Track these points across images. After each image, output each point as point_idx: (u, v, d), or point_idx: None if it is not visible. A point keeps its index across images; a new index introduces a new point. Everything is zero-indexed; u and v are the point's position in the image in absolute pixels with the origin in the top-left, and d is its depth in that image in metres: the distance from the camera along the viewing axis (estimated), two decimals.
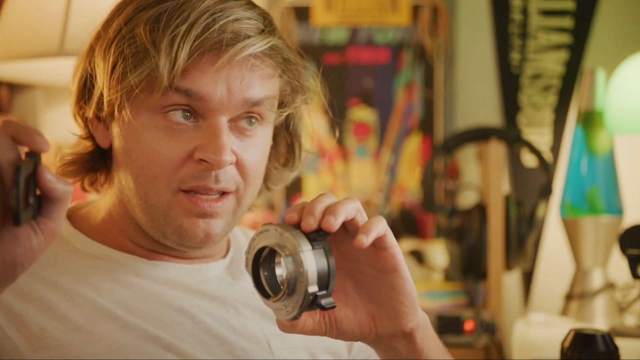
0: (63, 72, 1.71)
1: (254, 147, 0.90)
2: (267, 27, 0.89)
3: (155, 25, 0.84)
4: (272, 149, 0.96)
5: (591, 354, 1.01)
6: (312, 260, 0.73)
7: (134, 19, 0.87)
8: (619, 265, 1.77)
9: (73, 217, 0.97)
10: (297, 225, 0.74)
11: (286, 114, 0.96)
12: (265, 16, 0.90)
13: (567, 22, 2.10)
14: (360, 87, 2.16)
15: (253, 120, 0.90)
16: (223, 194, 0.89)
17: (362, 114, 2.16)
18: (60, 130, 1.93)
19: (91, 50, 0.91)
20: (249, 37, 0.85)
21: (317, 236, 0.74)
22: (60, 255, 0.91)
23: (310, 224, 0.73)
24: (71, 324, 0.85)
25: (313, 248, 0.74)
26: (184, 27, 0.83)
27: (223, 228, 0.91)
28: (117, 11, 0.90)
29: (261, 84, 0.88)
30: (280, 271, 0.77)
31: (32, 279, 0.87)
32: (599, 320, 1.73)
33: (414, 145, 2.15)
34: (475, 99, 2.15)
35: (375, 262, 0.78)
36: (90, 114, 0.90)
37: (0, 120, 0.65)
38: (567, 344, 1.04)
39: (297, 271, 0.73)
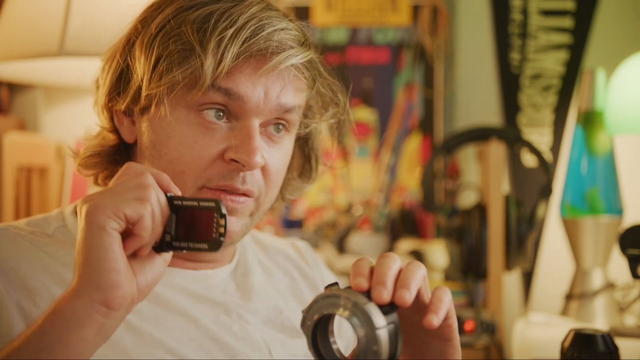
0: (63, 72, 1.71)
1: (279, 154, 0.93)
2: (306, 40, 0.92)
3: (202, 25, 0.86)
4: (290, 159, 0.98)
5: (591, 354, 1.01)
6: (386, 338, 0.71)
7: (178, 17, 0.88)
8: (619, 265, 1.77)
9: None
10: (367, 293, 0.72)
11: (310, 127, 0.98)
12: (303, 29, 0.93)
13: (567, 22, 2.10)
14: (360, 87, 2.16)
15: (281, 127, 0.92)
16: (245, 195, 0.91)
17: (362, 114, 2.16)
18: (61, 130, 1.93)
19: (129, 44, 0.91)
20: (292, 47, 0.88)
21: (390, 310, 0.72)
22: (70, 255, 0.90)
23: (384, 297, 0.72)
24: None
25: (387, 324, 0.71)
26: (232, 30, 0.85)
27: (241, 228, 0.92)
28: (157, 9, 0.91)
29: (294, 93, 0.91)
30: (333, 338, 0.75)
31: (44, 276, 0.87)
32: (599, 320, 1.73)
33: (414, 145, 2.15)
34: (475, 99, 2.15)
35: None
36: (122, 106, 0.91)
37: (138, 168, 0.77)
38: (567, 344, 1.04)
39: (370, 349, 0.70)
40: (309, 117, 0.97)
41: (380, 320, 0.70)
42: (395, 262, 0.75)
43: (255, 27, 0.86)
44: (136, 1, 1.46)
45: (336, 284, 0.75)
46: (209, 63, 0.84)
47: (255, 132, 0.88)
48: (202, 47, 0.85)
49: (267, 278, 1.04)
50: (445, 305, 0.74)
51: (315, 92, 0.94)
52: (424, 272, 0.75)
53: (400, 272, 0.74)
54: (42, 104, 1.94)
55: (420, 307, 0.76)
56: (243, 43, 0.85)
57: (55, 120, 1.95)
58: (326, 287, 0.74)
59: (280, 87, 0.88)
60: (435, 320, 0.73)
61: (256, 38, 0.86)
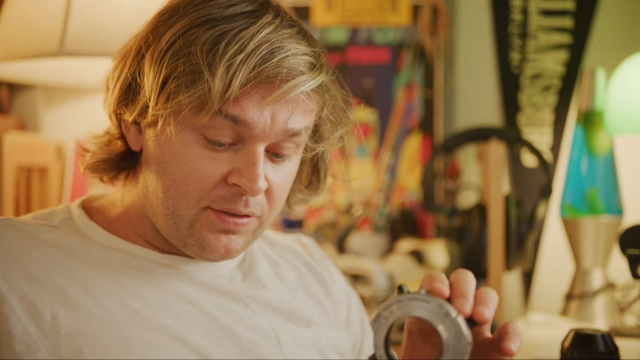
0: (63, 72, 1.71)
1: (284, 173, 0.93)
2: (317, 60, 0.90)
3: (213, 47, 0.85)
4: (297, 171, 0.98)
5: (591, 354, 1.01)
6: (470, 353, 0.71)
7: (188, 34, 0.86)
8: (619, 265, 1.77)
9: (87, 209, 0.98)
10: (448, 300, 0.73)
11: (317, 150, 0.97)
12: (314, 47, 0.91)
13: (567, 22, 2.10)
14: (360, 87, 2.16)
15: (284, 154, 0.92)
16: (247, 217, 0.92)
17: (362, 114, 2.16)
18: (61, 130, 1.93)
19: (138, 54, 0.90)
20: (302, 73, 0.87)
21: (472, 325, 0.73)
22: (76, 244, 0.92)
23: (467, 309, 0.73)
24: (83, 311, 0.87)
25: (472, 340, 0.72)
26: (241, 56, 0.84)
27: (242, 245, 0.93)
28: (168, 19, 0.90)
29: (302, 115, 0.90)
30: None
31: (48, 265, 0.88)
32: (599, 320, 1.73)
33: (414, 145, 2.15)
34: (475, 99, 2.15)
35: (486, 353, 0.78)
36: (129, 118, 0.91)
37: None
38: (567, 344, 1.04)
39: None
40: (317, 136, 0.96)
41: (468, 335, 0.71)
42: (473, 279, 0.76)
43: (266, 53, 0.85)
44: (136, 1, 1.46)
45: (405, 285, 0.75)
46: (216, 89, 0.83)
47: (259, 158, 0.88)
48: (210, 72, 0.84)
49: (273, 270, 1.05)
50: (520, 334, 0.76)
51: (325, 114, 0.94)
52: (497, 296, 0.76)
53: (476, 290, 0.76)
54: (42, 104, 1.94)
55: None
56: (252, 70, 0.84)
57: (55, 120, 1.95)
58: (398, 287, 0.74)
59: (288, 112, 0.88)
60: (514, 348, 0.74)
61: (265, 65, 0.84)
